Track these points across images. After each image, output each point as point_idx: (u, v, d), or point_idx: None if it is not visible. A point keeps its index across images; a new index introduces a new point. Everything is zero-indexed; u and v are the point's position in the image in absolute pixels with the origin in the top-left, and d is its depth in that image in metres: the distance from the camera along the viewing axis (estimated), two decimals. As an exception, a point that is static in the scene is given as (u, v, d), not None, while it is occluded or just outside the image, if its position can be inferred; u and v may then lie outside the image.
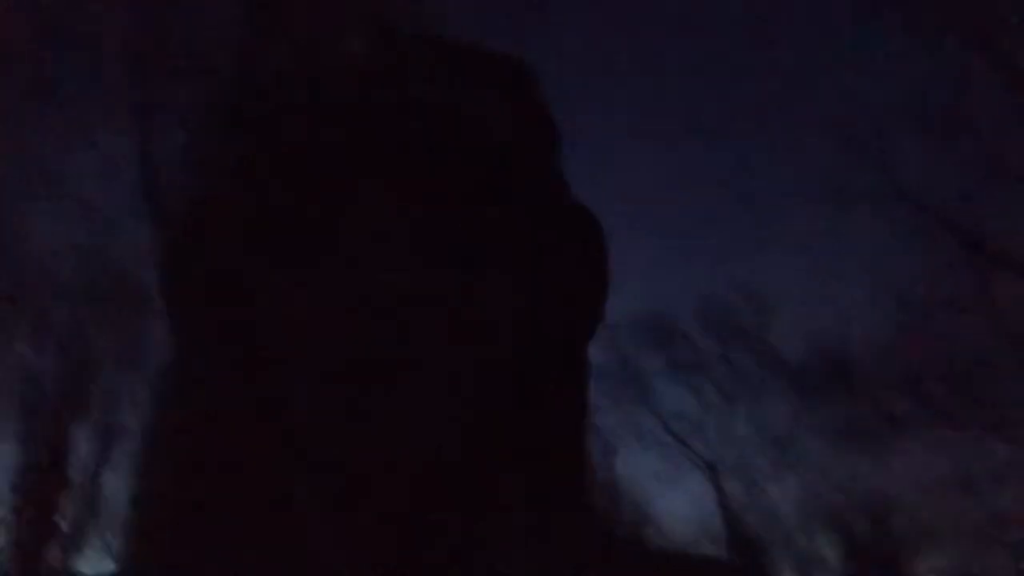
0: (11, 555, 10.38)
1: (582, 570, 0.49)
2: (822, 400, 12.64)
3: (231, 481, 0.47)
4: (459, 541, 0.47)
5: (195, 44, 7.28)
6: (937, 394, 11.98)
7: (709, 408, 13.01)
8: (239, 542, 0.46)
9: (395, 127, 0.50)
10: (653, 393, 13.02)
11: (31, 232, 8.79)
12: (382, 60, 0.53)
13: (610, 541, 0.54)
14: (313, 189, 0.49)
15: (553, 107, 0.59)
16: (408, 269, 0.48)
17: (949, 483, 11.67)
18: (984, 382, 11.65)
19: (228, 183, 0.52)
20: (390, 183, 0.49)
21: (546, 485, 0.51)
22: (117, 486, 11.11)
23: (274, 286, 0.48)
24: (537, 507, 0.50)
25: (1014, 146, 10.60)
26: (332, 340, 0.47)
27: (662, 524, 12.85)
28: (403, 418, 0.46)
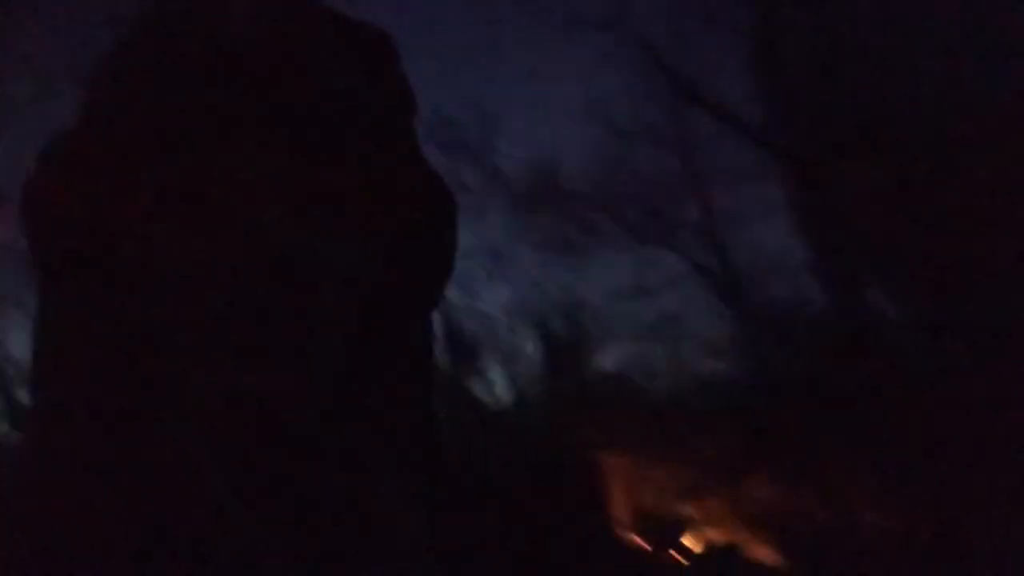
0: None
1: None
2: (534, 215, 13.65)
3: (110, 421, 0.52)
4: (327, 477, 0.54)
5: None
6: (629, 213, 13.54)
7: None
8: (121, 481, 0.50)
9: (263, 89, 0.55)
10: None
11: None
12: (254, 24, 0.56)
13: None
14: (176, 144, 0.53)
15: (411, 77, 0.65)
16: (272, 221, 0.54)
17: (631, 288, 13.49)
18: (668, 205, 13.34)
19: (99, 133, 0.53)
20: (257, 141, 0.54)
21: (400, 423, 0.60)
22: None
23: (140, 237, 0.53)
24: (394, 440, 0.58)
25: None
26: (201, 287, 0.53)
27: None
28: (267, 357, 0.53)
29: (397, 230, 0.68)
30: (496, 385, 13.86)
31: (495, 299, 14.15)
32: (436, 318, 13.40)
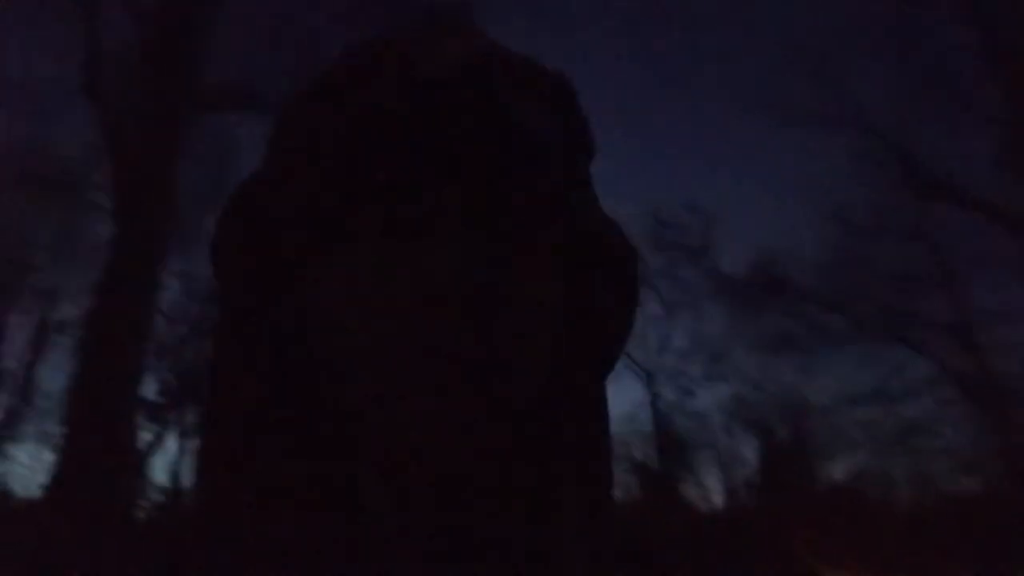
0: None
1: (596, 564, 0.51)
2: (756, 313, 13.07)
3: (278, 456, 0.49)
4: (483, 533, 0.49)
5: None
6: (865, 312, 12.53)
7: (649, 319, 13.32)
8: (285, 525, 0.48)
9: (460, 129, 0.51)
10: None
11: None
12: (441, 66, 0.54)
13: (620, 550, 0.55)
14: (368, 182, 0.50)
15: (592, 120, 0.60)
16: (455, 268, 0.49)
17: (868, 394, 12.38)
18: (912, 304, 12.20)
19: (293, 165, 0.53)
20: (443, 183, 0.50)
21: (568, 488, 0.52)
22: (52, 378, 11.09)
23: (326, 273, 0.50)
24: (556, 504, 0.51)
25: (964, 74, 10.73)
26: (379, 328, 0.48)
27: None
28: (446, 409, 0.48)
29: (577, 281, 0.64)
30: (711, 490, 13.22)
31: (712, 399, 13.60)
32: (650, 417, 13.14)
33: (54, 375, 10.85)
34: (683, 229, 13.19)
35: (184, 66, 7.32)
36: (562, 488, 0.52)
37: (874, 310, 12.54)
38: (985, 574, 9.35)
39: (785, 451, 12.94)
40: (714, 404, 13.69)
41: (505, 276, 0.49)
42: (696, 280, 13.29)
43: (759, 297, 12.95)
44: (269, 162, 0.55)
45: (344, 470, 0.48)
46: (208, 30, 7.48)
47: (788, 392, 12.73)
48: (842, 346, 12.61)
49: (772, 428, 12.87)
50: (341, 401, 0.48)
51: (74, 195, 8.79)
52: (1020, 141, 10.55)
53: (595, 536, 0.53)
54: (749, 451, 13.04)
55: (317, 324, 0.49)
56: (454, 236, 0.49)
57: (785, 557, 10.58)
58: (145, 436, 8.69)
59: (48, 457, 9.68)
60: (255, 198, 0.54)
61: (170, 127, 7.28)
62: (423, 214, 0.49)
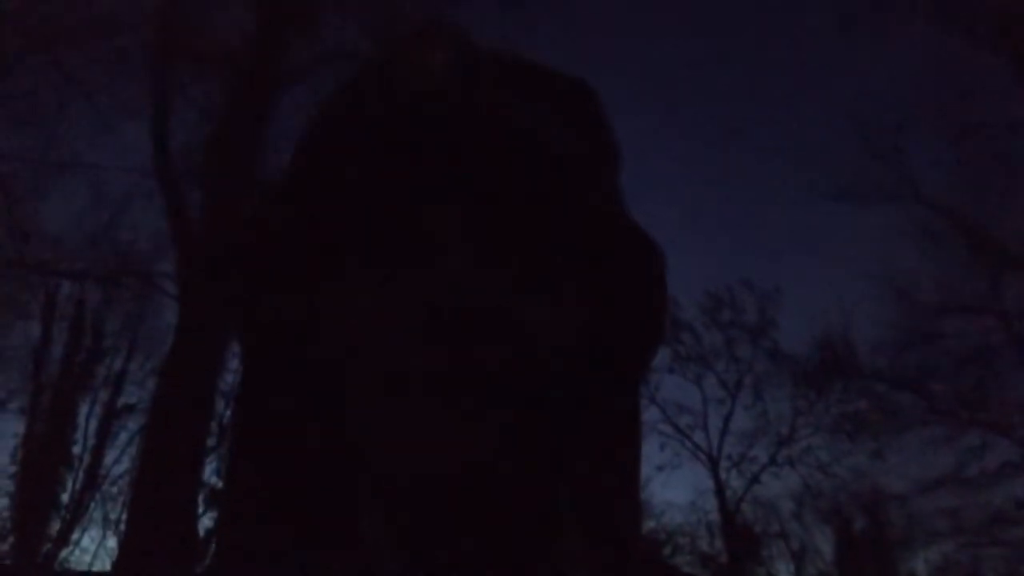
0: (12, 523, 10.51)
1: None
2: (823, 394, 12.68)
3: (291, 483, 0.49)
4: (503, 552, 0.49)
5: (216, 33, 7.24)
6: (938, 392, 12.05)
7: (711, 401, 13.03)
8: (299, 540, 0.48)
9: (463, 141, 0.51)
10: (656, 385, 13.01)
11: (43, 211, 8.79)
12: (453, 75, 0.54)
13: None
14: (381, 198, 0.50)
15: (615, 127, 0.60)
16: (470, 282, 0.49)
17: (948, 480, 11.79)
18: (988, 382, 11.72)
19: (301, 190, 0.54)
20: (456, 195, 0.50)
21: (592, 505, 0.52)
22: (118, 462, 11.27)
23: (339, 292, 0.50)
24: (581, 524, 0.51)
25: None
26: (391, 348, 0.49)
27: (661, 513, 12.96)
28: (455, 427, 0.48)
29: (599, 288, 0.63)
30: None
31: (779, 485, 13.09)
32: (715, 506, 12.70)
33: (120, 459, 11.04)
34: (742, 308, 13.00)
35: (250, 156, 7.61)
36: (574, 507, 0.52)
37: (948, 389, 12.07)
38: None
39: (862, 541, 12.32)
40: (783, 491, 13.15)
41: (510, 292, 0.50)
42: (758, 360, 12.99)
43: (824, 377, 12.58)
44: (283, 187, 0.57)
45: (350, 492, 0.49)
46: (272, 121, 7.81)
47: (862, 478, 12.19)
48: (916, 428, 12.12)
49: (847, 516, 12.28)
50: (350, 424, 0.49)
51: (142, 282, 9.10)
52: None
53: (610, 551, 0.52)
54: (823, 541, 12.44)
55: (326, 347, 0.50)
56: (456, 253, 0.50)
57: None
58: (206, 521, 8.66)
59: (112, 543, 9.66)
60: (270, 218, 0.56)
61: (235, 214, 7.52)
62: (424, 233, 0.50)
